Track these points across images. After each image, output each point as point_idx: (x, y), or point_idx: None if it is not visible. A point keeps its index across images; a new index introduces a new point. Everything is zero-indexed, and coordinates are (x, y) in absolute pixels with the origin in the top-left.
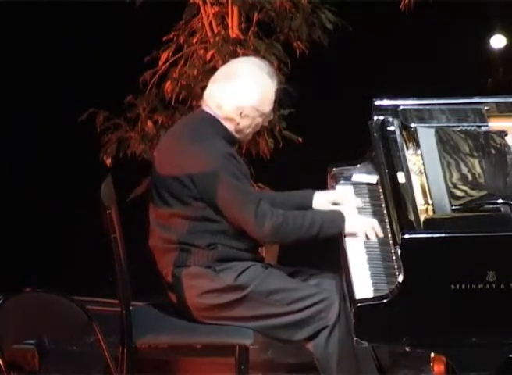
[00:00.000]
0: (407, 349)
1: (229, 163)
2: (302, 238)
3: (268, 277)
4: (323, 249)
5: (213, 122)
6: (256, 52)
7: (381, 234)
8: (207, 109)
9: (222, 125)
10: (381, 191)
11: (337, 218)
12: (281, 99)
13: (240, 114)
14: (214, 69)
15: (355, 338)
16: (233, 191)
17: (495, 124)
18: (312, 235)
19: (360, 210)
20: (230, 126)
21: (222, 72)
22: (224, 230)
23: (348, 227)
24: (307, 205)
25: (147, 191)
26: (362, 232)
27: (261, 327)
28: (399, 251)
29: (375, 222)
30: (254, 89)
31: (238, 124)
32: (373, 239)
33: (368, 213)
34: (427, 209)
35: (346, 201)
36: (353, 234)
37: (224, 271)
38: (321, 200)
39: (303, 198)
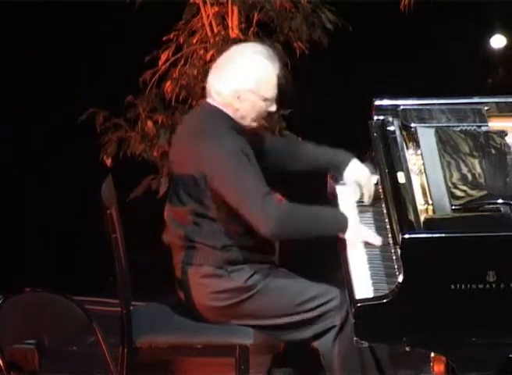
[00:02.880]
0: (407, 349)
1: (236, 158)
2: (305, 234)
3: (278, 277)
4: (324, 251)
5: (218, 113)
6: None
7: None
8: (210, 100)
9: (226, 114)
10: (381, 191)
11: (341, 221)
12: (284, 95)
13: (238, 98)
14: None
15: (355, 338)
16: (238, 184)
17: (495, 124)
18: (315, 232)
19: (361, 210)
20: (232, 114)
21: (220, 59)
22: (238, 232)
23: (349, 234)
24: (340, 170)
25: (150, 191)
26: (359, 242)
27: (269, 327)
28: (399, 251)
29: (374, 235)
30: (250, 72)
31: (237, 110)
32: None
33: (368, 213)
34: (427, 209)
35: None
36: (352, 242)
37: (235, 272)
38: (353, 172)
39: (339, 162)
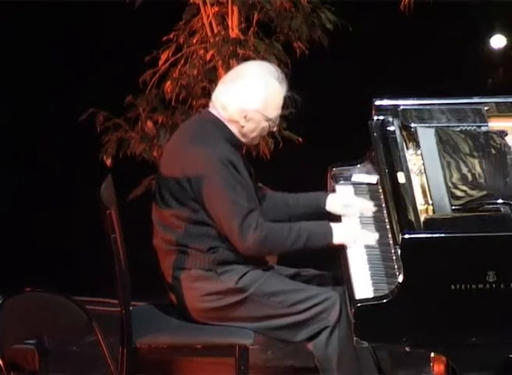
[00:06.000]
0: (407, 349)
1: (225, 169)
2: (288, 251)
3: (269, 279)
4: (323, 250)
5: (217, 124)
6: (256, 52)
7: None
8: (213, 110)
9: (226, 127)
10: (381, 191)
11: (325, 230)
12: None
13: (245, 117)
14: (214, 69)
15: (355, 338)
16: (222, 199)
17: (495, 124)
18: (298, 248)
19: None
20: (234, 129)
21: (231, 73)
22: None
23: (336, 239)
24: (321, 207)
25: (150, 191)
26: (351, 243)
27: (262, 328)
28: (399, 251)
29: (365, 233)
30: (259, 92)
31: (242, 127)
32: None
33: (368, 213)
34: (427, 209)
35: (357, 204)
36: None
37: (225, 274)
38: (335, 202)
39: (316, 200)
